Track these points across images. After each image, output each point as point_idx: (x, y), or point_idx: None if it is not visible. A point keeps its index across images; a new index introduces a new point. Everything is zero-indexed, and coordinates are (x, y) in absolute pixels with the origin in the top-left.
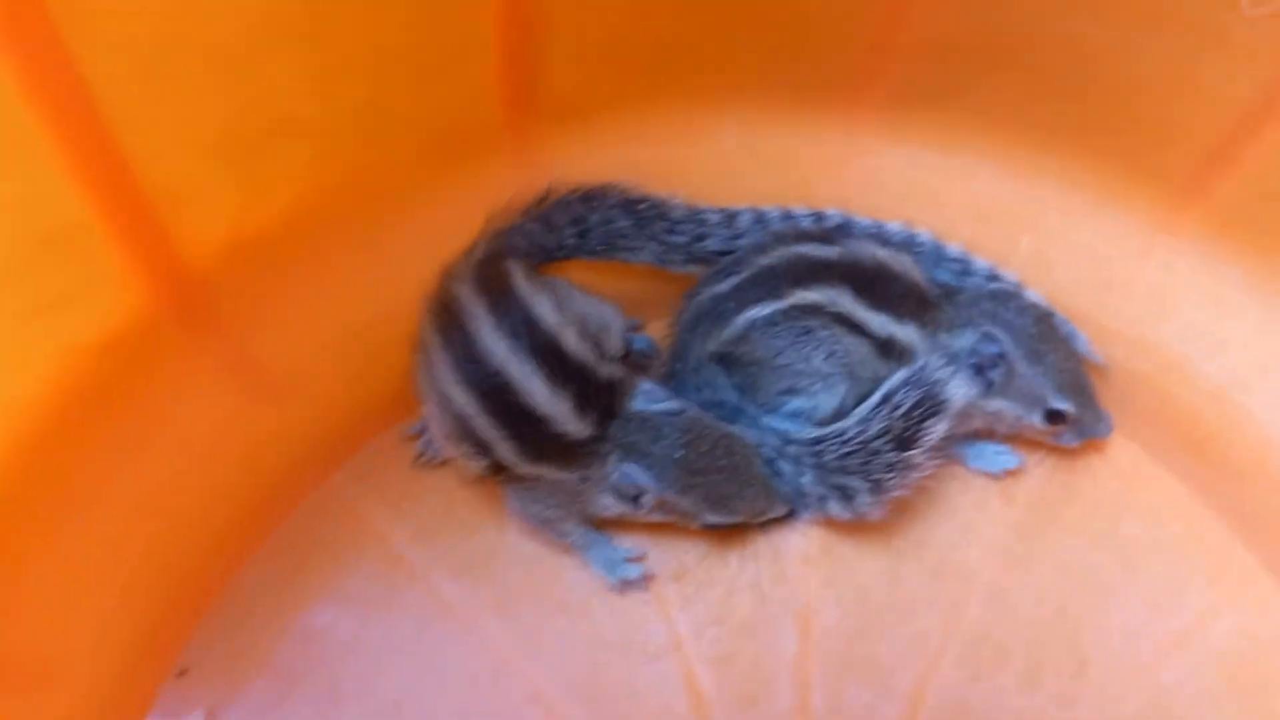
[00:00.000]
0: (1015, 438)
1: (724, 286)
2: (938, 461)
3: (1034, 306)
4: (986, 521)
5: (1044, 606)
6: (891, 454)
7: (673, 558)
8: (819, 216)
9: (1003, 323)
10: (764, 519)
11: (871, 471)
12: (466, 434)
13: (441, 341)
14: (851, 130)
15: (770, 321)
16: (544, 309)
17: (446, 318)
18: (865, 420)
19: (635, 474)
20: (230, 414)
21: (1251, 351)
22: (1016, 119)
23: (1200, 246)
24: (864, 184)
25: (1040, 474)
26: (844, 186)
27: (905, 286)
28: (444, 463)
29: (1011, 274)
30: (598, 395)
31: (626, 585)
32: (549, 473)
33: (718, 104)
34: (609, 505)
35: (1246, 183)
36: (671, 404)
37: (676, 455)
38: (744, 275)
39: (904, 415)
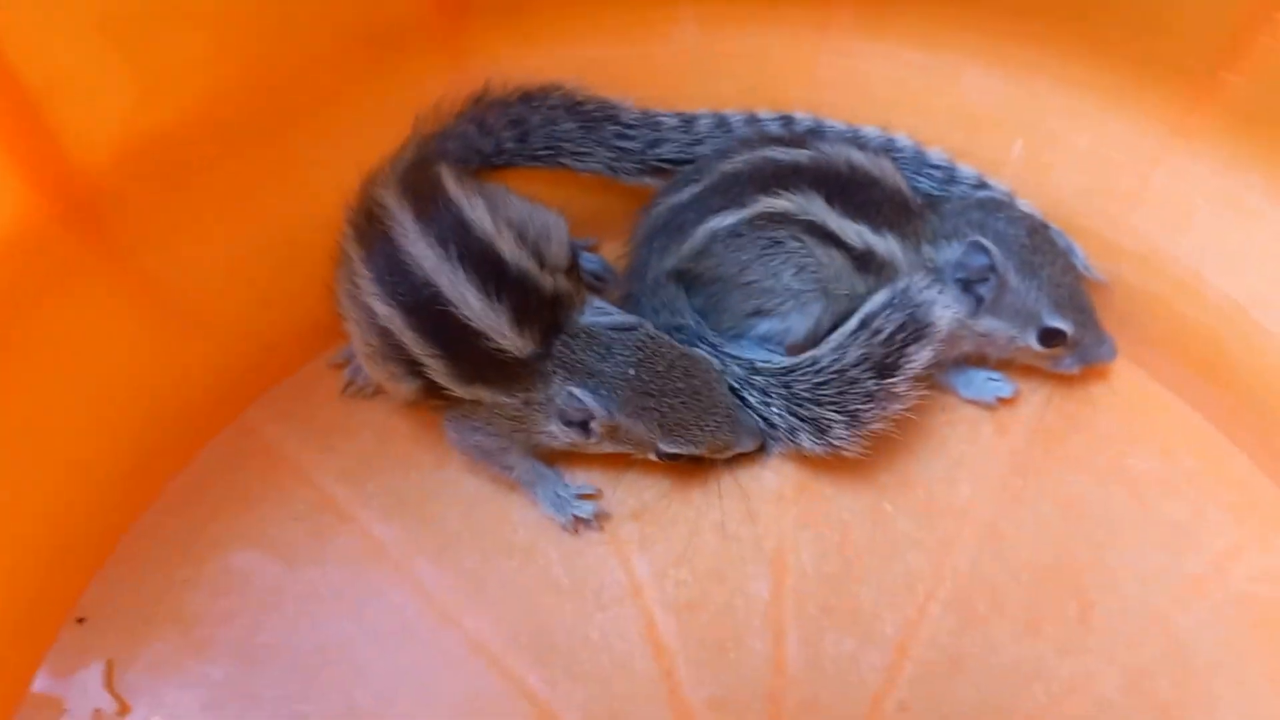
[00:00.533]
0: (1009, 363)
1: (683, 196)
2: (922, 391)
3: (1027, 217)
4: (979, 456)
5: (1043, 548)
6: (871, 383)
7: (631, 495)
8: (787, 120)
9: (992, 233)
10: (729, 454)
11: (848, 403)
12: (393, 353)
13: (363, 252)
14: (825, 25)
15: (734, 233)
16: (478, 213)
17: (369, 226)
18: (841, 347)
19: (582, 395)
20: (130, 340)
21: (1273, 265)
22: (1008, 9)
23: (1216, 149)
24: (839, 85)
25: (1037, 403)
26: (817, 88)
27: (884, 193)
28: (375, 393)
29: (1002, 183)
30: (539, 308)
31: (579, 525)
32: (488, 395)
33: None
34: (555, 434)
35: (1266, 74)
36: (623, 318)
37: (628, 374)
38: (705, 183)
39: (885, 341)
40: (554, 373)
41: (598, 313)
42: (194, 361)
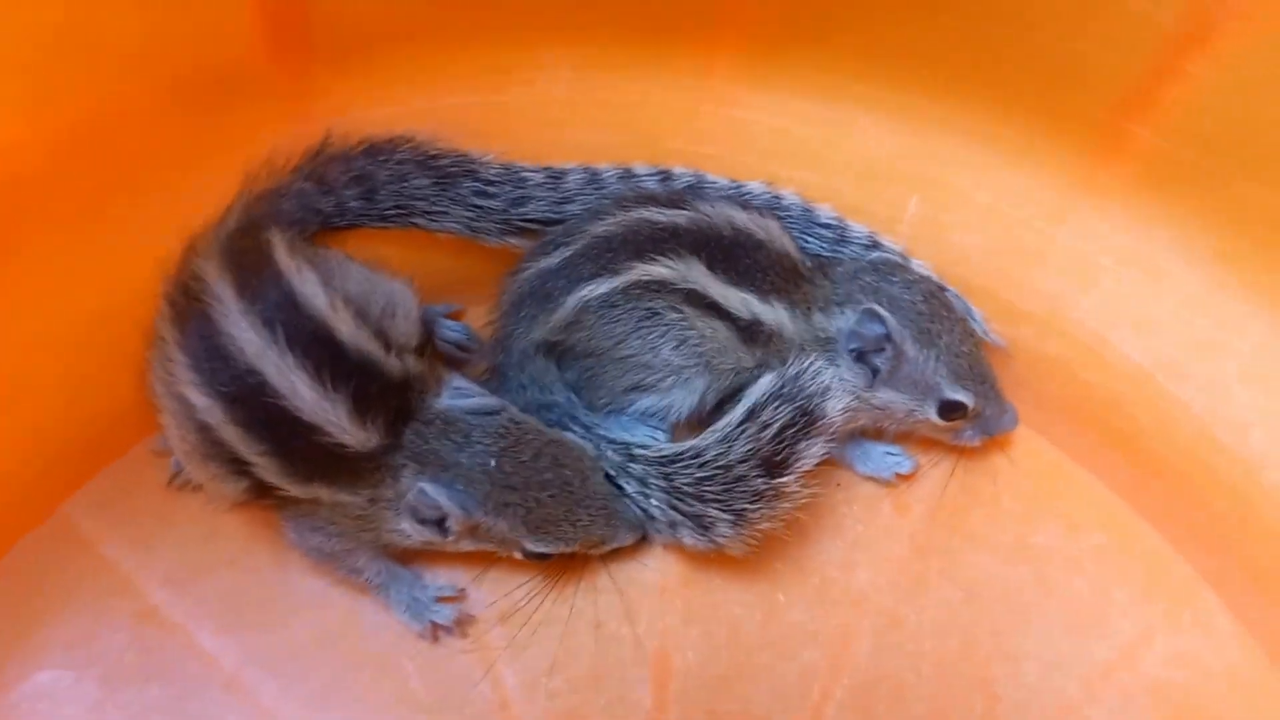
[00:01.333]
0: (907, 436)
1: (552, 261)
2: (813, 488)
3: (924, 280)
4: (877, 536)
5: (948, 637)
6: (759, 481)
7: (497, 593)
8: (665, 175)
9: (888, 298)
10: (605, 549)
11: (734, 501)
12: (215, 450)
13: (179, 334)
14: (706, 72)
15: (607, 302)
16: (309, 287)
17: (186, 303)
18: (727, 440)
19: (435, 492)
20: None
21: (1184, 329)
22: (903, 58)
23: (1124, 206)
24: (722, 138)
25: (938, 478)
26: (698, 141)
27: (770, 256)
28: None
29: (897, 242)
30: (384, 395)
31: (439, 632)
32: (328, 494)
33: (542, 40)
34: (407, 533)
35: (1174, 128)
36: (483, 400)
37: (489, 466)
38: (575, 247)
39: (774, 436)
40: (403, 465)
41: (456, 395)
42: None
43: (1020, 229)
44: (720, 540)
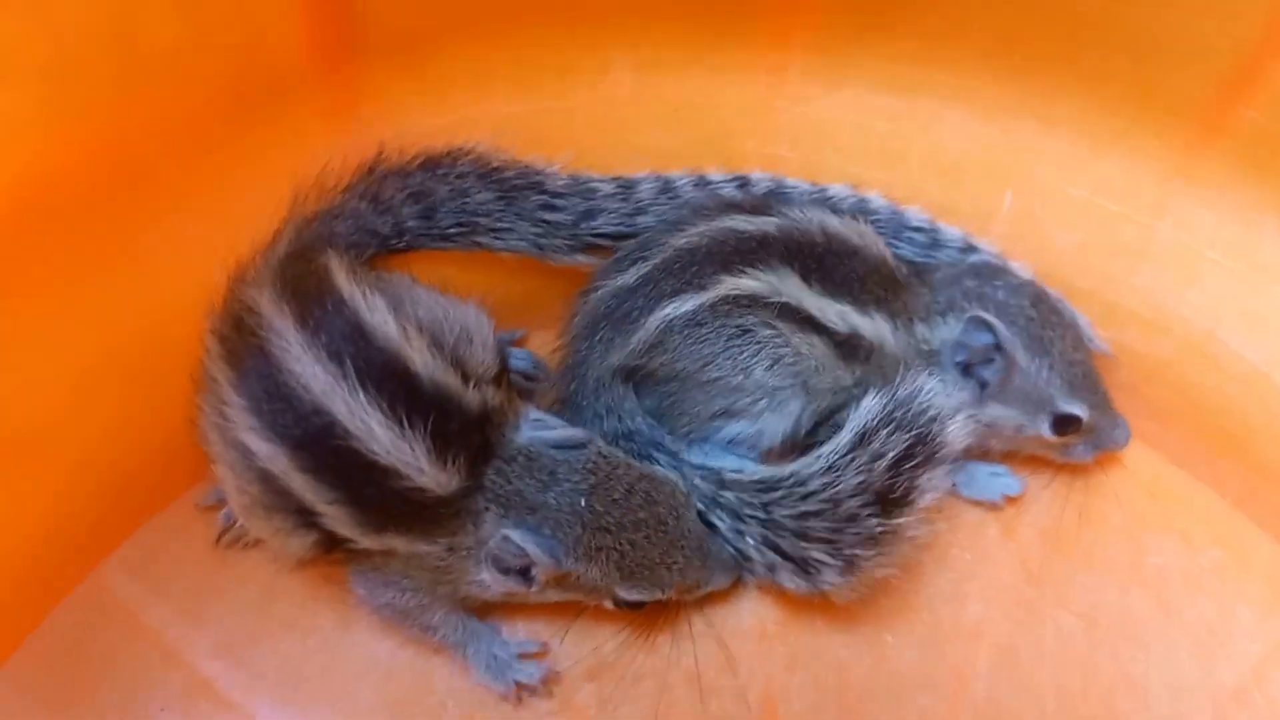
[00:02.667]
0: (1013, 455)
1: (628, 278)
2: (935, 525)
3: (1029, 284)
4: (987, 565)
5: (1068, 668)
6: (873, 521)
7: (585, 648)
8: (743, 181)
9: (994, 305)
10: (699, 593)
11: (843, 545)
12: (279, 501)
13: (233, 373)
14: (780, 69)
15: (693, 321)
16: (378, 316)
17: (239, 338)
18: (833, 469)
19: (520, 539)
20: None
21: None
22: (983, 43)
23: (1228, 195)
24: (799, 137)
25: (1047, 499)
26: (773, 142)
27: (867, 264)
28: (258, 541)
29: (992, 243)
30: (464, 432)
31: (523, 692)
32: (403, 545)
33: (604, 38)
34: (488, 584)
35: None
36: (568, 432)
37: (578, 506)
38: (654, 262)
39: (889, 468)
40: (485, 509)
41: (536, 427)
42: (30, 508)
43: (1119, 223)
44: (826, 587)
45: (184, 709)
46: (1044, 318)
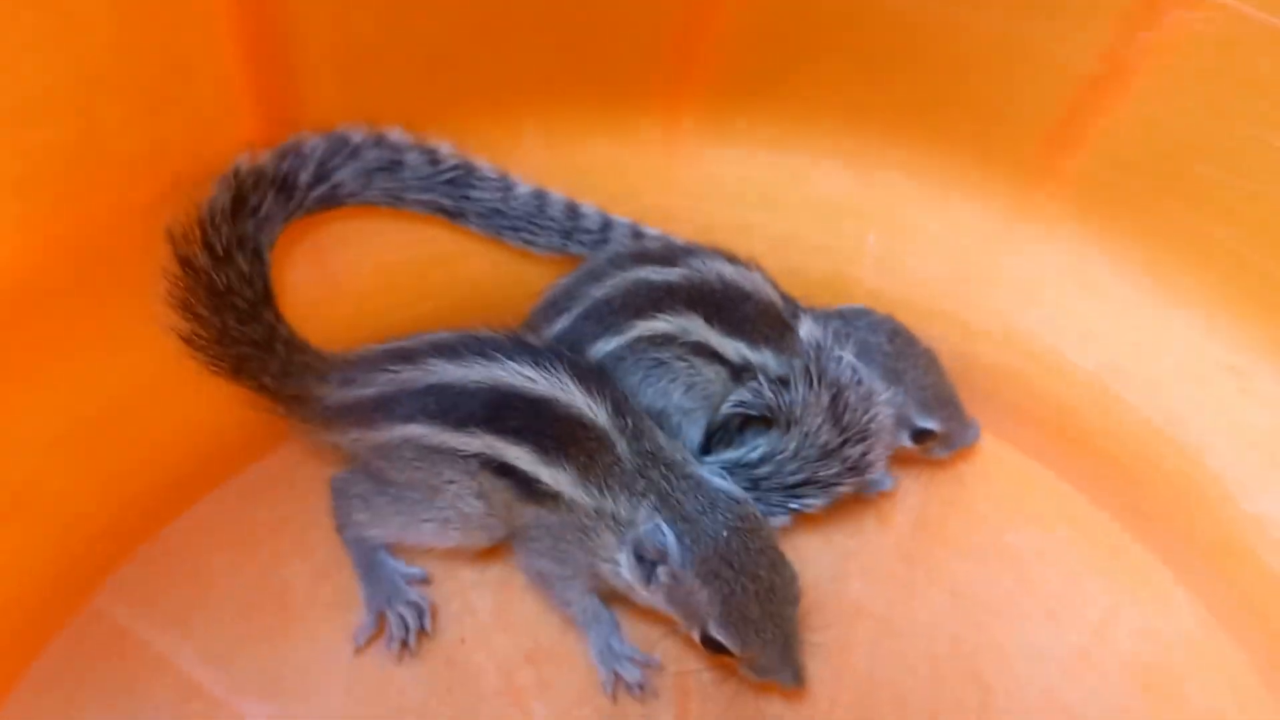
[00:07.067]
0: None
1: (557, 326)
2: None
3: (886, 321)
4: (866, 549)
5: (938, 637)
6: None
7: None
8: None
9: (857, 342)
10: (765, 678)
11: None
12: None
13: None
14: (672, 132)
15: (616, 356)
16: None
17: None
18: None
19: (667, 531)
20: None
21: (1123, 335)
22: (848, 107)
23: (1060, 228)
24: (691, 189)
25: (915, 491)
26: (670, 194)
27: (758, 307)
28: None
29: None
30: None
31: (619, 686)
32: (568, 486)
33: (515, 112)
34: (619, 566)
35: (1098, 156)
36: (737, 489)
37: (720, 535)
38: (576, 312)
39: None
40: (645, 496)
41: (714, 472)
42: (23, 552)
43: (970, 254)
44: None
45: (177, 708)
46: (898, 350)
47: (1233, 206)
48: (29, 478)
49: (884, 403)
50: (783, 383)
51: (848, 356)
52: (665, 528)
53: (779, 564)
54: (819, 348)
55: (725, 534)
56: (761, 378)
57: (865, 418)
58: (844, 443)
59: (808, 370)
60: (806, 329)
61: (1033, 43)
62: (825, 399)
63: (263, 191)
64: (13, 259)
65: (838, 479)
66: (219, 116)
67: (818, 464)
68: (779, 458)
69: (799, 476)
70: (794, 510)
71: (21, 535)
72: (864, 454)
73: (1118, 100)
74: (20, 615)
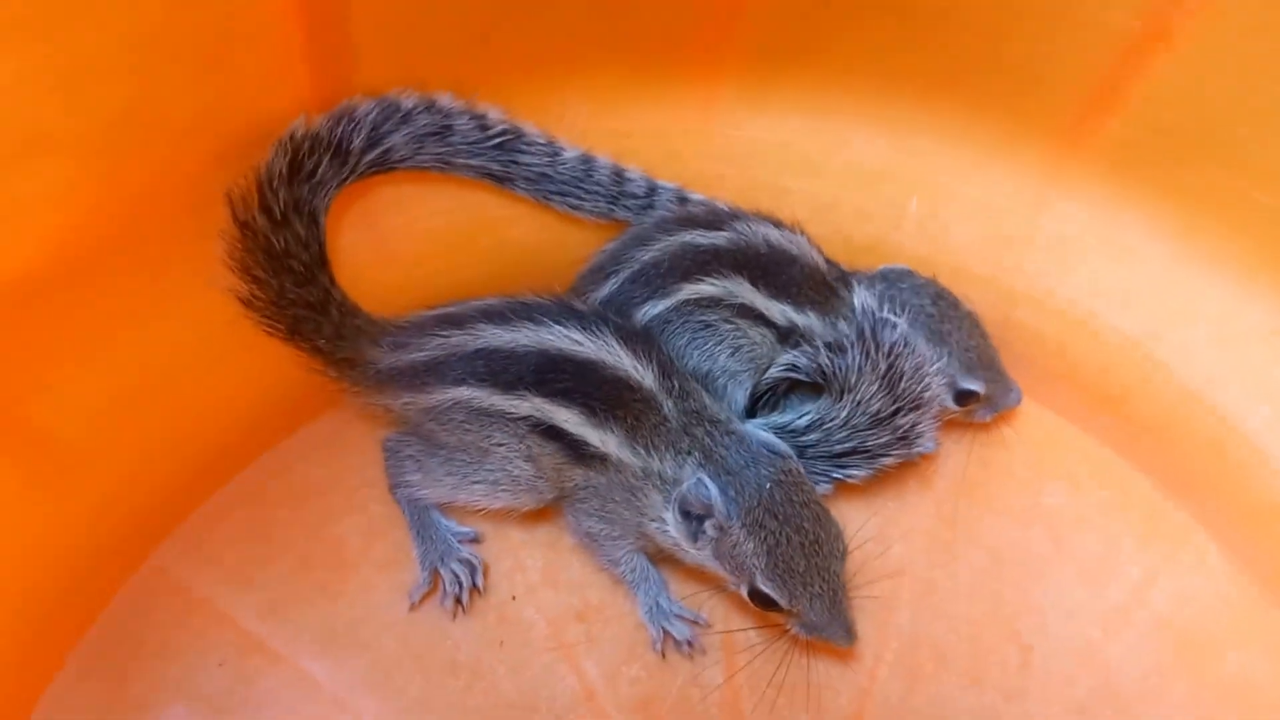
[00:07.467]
0: None
1: (605, 290)
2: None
3: (929, 284)
4: (906, 511)
5: (978, 596)
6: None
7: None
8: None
9: (899, 304)
10: (815, 635)
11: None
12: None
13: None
14: (713, 98)
15: (663, 319)
16: None
17: None
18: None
19: (712, 486)
20: (12, 501)
21: (1160, 299)
22: (885, 73)
23: (1097, 192)
24: (734, 156)
25: (956, 454)
26: (713, 160)
27: (803, 271)
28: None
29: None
30: None
31: (669, 642)
32: (615, 447)
33: (560, 78)
34: (666, 525)
35: (1137, 119)
36: (779, 442)
37: (764, 489)
38: (624, 275)
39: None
40: (690, 454)
41: (757, 428)
42: (87, 512)
43: (1008, 218)
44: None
45: (238, 662)
46: (942, 313)
47: (1274, 169)
48: (90, 438)
49: (936, 372)
50: (836, 348)
51: (901, 324)
52: (708, 481)
53: (824, 519)
54: (874, 314)
55: (769, 486)
56: (818, 342)
57: (919, 387)
58: (896, 411)
59: (863, 335)
60: (861, 296)
61: (1072, 4)
62: (882, 366)
63: (318, 156)
64: (67, 223)
65: (885, 449)
66: (273, 80)
67: (867, 432)
68: (829, 425)
69: (847, 445)
70: (836, 479)
71: (82, 494)
72: (914, 424)
73: (1158, 61)
74: (84, 571)
